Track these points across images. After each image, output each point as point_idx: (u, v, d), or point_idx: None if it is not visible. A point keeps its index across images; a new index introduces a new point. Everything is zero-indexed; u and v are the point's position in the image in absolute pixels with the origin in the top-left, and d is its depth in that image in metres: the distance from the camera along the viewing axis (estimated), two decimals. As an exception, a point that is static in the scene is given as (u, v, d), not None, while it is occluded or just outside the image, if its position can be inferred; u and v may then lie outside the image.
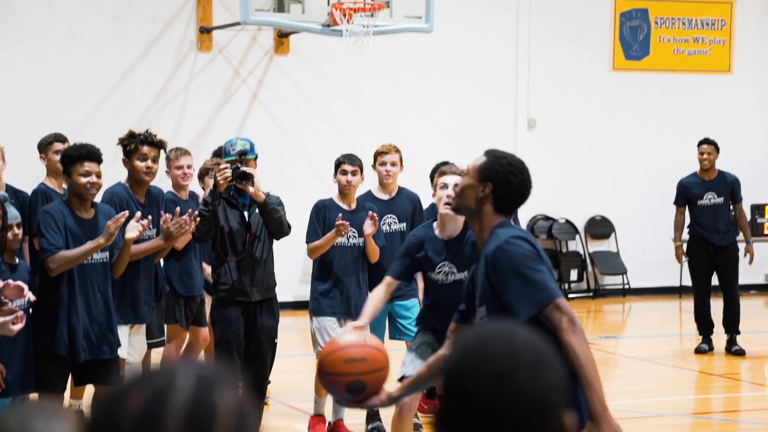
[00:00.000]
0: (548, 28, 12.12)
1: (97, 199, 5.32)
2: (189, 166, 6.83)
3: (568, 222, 12.36)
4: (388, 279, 5.08)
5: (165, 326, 6.50)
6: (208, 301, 6.71)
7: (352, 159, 6.39)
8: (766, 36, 12.93)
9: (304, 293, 10.78)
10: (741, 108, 12.84)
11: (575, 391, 3.23)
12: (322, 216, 6.30)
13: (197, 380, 1.39)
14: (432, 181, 6.95)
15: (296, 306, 10.61)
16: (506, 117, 12.04)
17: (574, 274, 12.27)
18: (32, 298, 4.63)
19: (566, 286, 12.15)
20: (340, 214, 6.12)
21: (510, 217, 3.46)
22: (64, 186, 5.67)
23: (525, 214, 11.94)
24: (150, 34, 10.62)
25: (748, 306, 9.74)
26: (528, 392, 1.60)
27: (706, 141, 9.09)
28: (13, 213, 5.06)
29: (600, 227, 12.56)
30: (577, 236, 12.45)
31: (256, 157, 6.02)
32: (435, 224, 5.18)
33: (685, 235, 9.19)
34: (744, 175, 9.36)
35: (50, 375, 5.08)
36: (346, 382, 3.54)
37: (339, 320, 6.26)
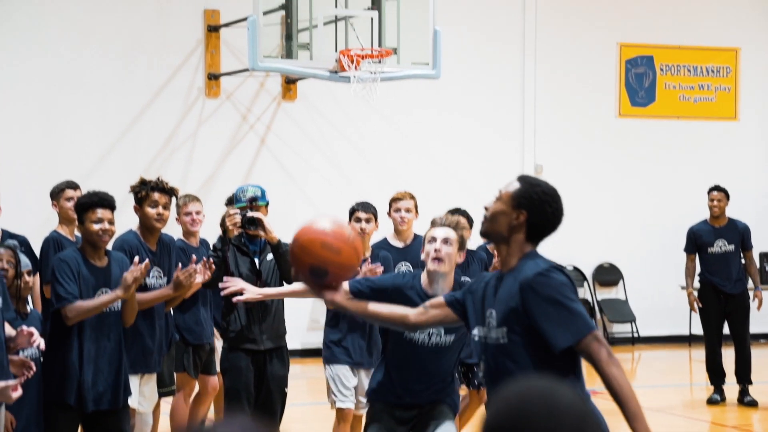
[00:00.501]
0: (555, 74, 12.14)
1: (109, 246, 5.29)
2: (198, 212, 6.81)
3: (576, 269, 12.30)
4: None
5: (175, 375, 6.44)
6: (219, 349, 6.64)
7: (366, 206, 6.38)
8: (771, 83, 12.96)
9: (311, 341, 10.72)
10: (747, 155, 12.84)
11: None
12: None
13: None
14: (443, 228, 6.93)
15: (304, 354, 10.53)
16: (513, 162, 12.02)
17: (581, 322, 12.19)
18: (42, 346, 4.58)
19: (574, 333, 12.05)
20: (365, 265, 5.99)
21: (537, 246, 3.42)
22: (77, 233, 5.64)
23: (532, 260, 11.87)
24: (159, 81, 10.63)
25: (759, 356, 9.66)
26: None
27: (716, 188, 9.06)
28: (24, 261, 5.02)
29: (608, 274, 12.50)
30: (585, 283, 12.38)
31: (268, 203, 5.99)
32: (422, 277, 4.57)
33: (696, 283, 9.14)
34: (750, 222, 9.33)
35: (59, 424, 5.02)
36: (312, 263, 3.60)
37: (353, 368, 6.19)
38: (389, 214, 6.64)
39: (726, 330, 8.97)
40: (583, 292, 12.38)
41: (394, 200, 6.62)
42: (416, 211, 6.66)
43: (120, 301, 5.11)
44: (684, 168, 12.56)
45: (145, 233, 5.65)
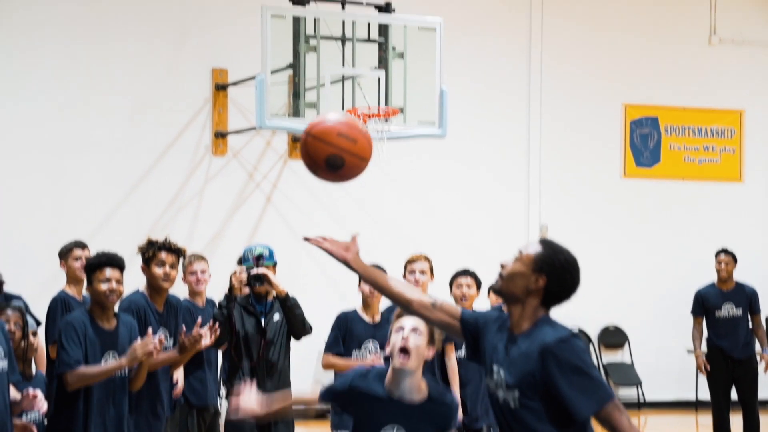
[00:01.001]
0: (560, 134, 12.16)
1: (116, 307, 5.25)
2: (203, 271, 6.79)
3: (581, 331, 12.22)
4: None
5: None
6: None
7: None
8: (776, 145, 12.98)
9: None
10: (753, 217, 12.81)
11: None
12: (344, 328, 6.21)
13: None
14: (451, 289, 6.88)
15: (307, 416, 10.42)
16: (518, 221, 12.00)
17: (586, 384, 12.07)
18: (44, 409, 4.52)
19: (578, 395, 11.94)
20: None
21: (549, 312, 3.39)
22: (84, 294, 5.61)
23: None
24: (166, 139, 10.65)
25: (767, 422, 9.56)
26: None
27: (724, 251, 9.02)
28: (31, 322, 4.99)
29: (613, 337, 12.41)
30: (591, 346, 12.29)
31: (275, 263, 5.97)
32: (387, 376, 3.96)
33: (702, 347, 9.06)
34: (756, 285, 9.29)
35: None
36: (329, 152, 3.59)
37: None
38: (404, 276, 6.60)
39: (734, 395, 8.89)
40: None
41: (409, 262, 6.59)
42: (431, 274, 6.62)
43: (127, 367, 5.06)
44: (690, 229, 12.53)
45: (153, 293, 5.61)
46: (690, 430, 11.36)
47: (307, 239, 3.66)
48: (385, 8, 9.62)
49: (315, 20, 9.26)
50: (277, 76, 9.34)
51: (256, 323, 5.85)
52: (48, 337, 6.42)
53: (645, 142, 12.67)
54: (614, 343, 12.40)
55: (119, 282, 5.05)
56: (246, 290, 5.86)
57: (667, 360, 12.18)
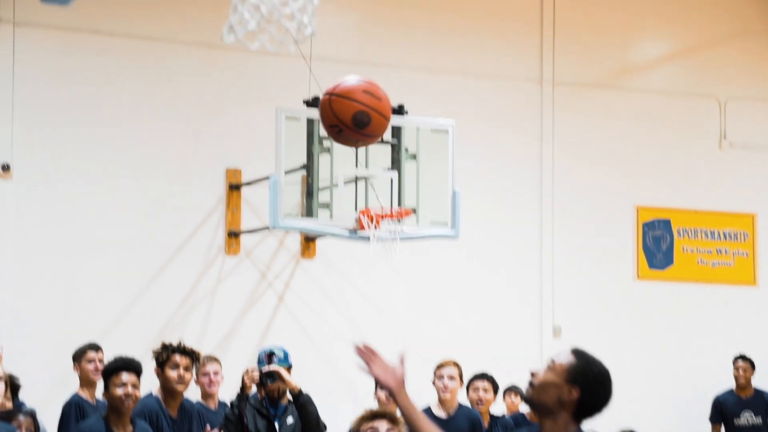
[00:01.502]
0: (572, 235, 12.15)
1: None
2: (216, 373, 6.73)
3: (594, 435, 12.03)
4: None
5: None
6: None
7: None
8: (789, 248, 12.94)
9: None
10: (767, 321, 12.70)
11: None
12: None
13: None
14: (467, 392, 6.80)
15: None
16: (531, 324, 11.92)
17: (600, 490, 11.85)
18: None
19: (593, 501, 11.71)
20: None
21: (579, 425, 3.30)
22: (98, 397, 5.55)
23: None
24: (179, 239, 10.65)
25: None
26: None
27: (741, 357, 8.94)
28: (42, 428, 4.92)
29: (628, 442, 12.20)
30: (605, 450, 12.09)
31: (290, 366, 5.91)
32: None
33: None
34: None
35: None
36: (356, 109, 3.58)
37: None
38: (433, 382, 6.52)
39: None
40: (603, 460, 12.08)
41: (438, 367, 6.54)
42: (461, 380, 6.55)
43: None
44: (705, 333, 12.41)
45: (167, 397, 5.55)
46: None
47: (358, 351, 3.37)
48: (398, 110, 9.70)
49: (329, 121, 9.33)
50: (290, 177, 9.39)
51: (268, 425, 5.78)
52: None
53: (658, 244, 12.65)
54: (629, 448, 12.19)
55: (135, 387, 5.00)
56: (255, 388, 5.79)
57: (683, 467, 11.96)
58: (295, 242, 11.10)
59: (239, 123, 10.89)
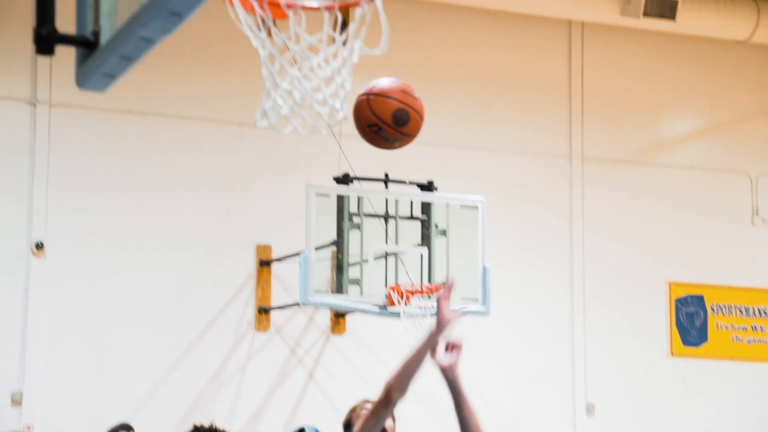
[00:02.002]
0: (604, 311, 12.07)
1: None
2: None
3: None
4: None
5: None
6: None
7: None
8: (826, 325, 12.77)
9: None
10: (806, 398, 12.51)
11: None
12: None
13: None
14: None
15: None
16: (564, 402, 11.80)
17: None
18: None
19: None
20: None
21: None
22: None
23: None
24: (209, 315, 10.69)
25: None
26: None
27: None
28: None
29: None
30: None
31: (322, 445, 5.87)
32: None
33: None
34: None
35: None
36: (396, 106, 3.65)
37: None
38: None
39: None
40: None
41: None
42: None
43: None
44: (741, 411, 12.23)
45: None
46: None
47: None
48: (428, 187, 9.76)
49: (359, 198, 9.40)
50: (320, 252, 9.43)
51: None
52: None
53: (691, 320, 12.53)
54: None
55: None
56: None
57: None
58: (325, 318, 11.10)
59: (270, 199, 10.99)
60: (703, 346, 12.53)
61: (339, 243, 9.44)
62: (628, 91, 12.50)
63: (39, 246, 10.23)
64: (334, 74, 3.67)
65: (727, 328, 12.64)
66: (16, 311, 10.11)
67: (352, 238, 9.47)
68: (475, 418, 3.68)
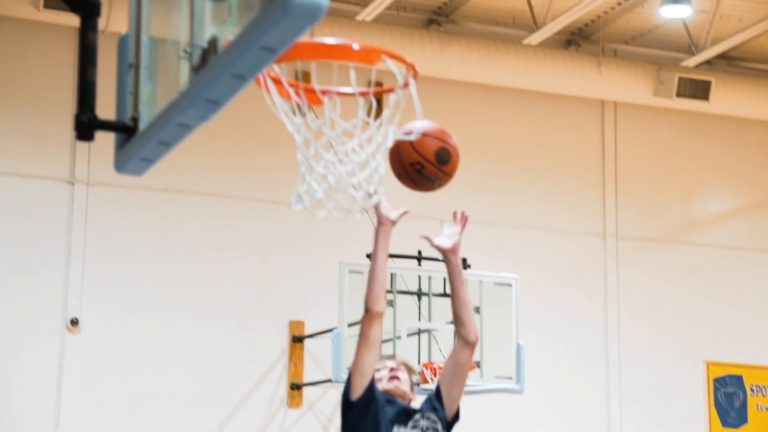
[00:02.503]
0: (640, 393, 11.93)
1: None
2: None
3: None
4: None
5: None
6: None
7: None
8: None
9: None
10: None
11: None
12: None
13: None
14: None
15: None
16: (599, 484, 11.62)
17: None
18: None
19: None
20: None
21: None
22: None
23: None
24: (242, 391, 10.67)
25: None
26: None
27: None
28: None
29: None
30: None
31: None
32: None
33: None
34: None
35: None
36: (438, 145, 3.90)
37: None
38: None
39: None
40: None
41: None
42: None
43: None
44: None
45: None
46: None
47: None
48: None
49: (392, 276, 9.40)
50: (353, 329, 9.40)
51: None
52: None
53: (730, 401, 12.35)
54: None
55: None
56: None
57: None
58: (358, 396, 11.03)
59: (303, 275, 11.01)
60: (744, 428, 12.32)
61: (371, 319, 9.41)
62: (662, 170, 12.49)
63: (74, 322, 10.28)
64: (368, 158, 3.71)
65: (767, 409, 12.45)
66: (51, 387, 10.14)
67: (386, 315, 9.44)
68: (466, 292, 4.29)
